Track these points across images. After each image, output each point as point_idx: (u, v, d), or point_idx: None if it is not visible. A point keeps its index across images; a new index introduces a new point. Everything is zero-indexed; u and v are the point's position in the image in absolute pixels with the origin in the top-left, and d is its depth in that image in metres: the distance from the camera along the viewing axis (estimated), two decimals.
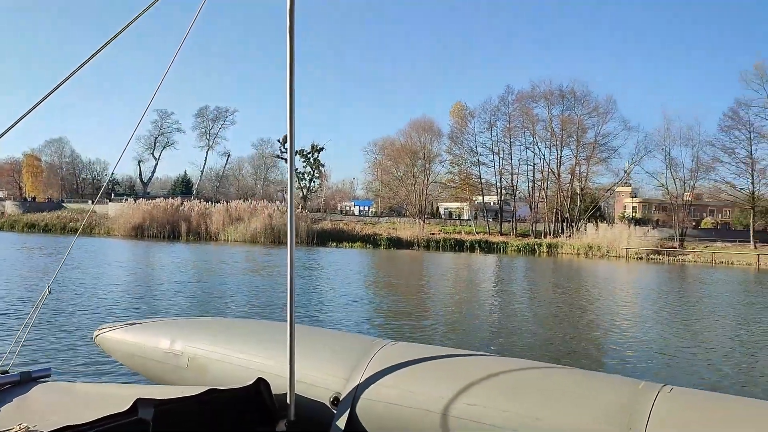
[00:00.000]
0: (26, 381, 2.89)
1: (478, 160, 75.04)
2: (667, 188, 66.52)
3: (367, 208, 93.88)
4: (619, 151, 71.46)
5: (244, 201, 64.82)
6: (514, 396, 2.40)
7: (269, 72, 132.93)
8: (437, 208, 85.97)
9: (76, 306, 13.57)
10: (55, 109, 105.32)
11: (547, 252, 59.91)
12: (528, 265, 42.91)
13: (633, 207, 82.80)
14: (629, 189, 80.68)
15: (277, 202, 67.86)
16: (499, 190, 75.17)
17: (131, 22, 2.59)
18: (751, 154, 59.84)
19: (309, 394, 2.72)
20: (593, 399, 2.33)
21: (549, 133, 71.01)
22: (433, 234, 66.56)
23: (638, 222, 67.78)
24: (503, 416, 2.34)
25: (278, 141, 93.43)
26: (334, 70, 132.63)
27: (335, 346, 2.94)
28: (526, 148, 73.26)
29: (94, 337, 3.65)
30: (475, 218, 75.46)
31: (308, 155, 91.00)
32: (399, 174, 79.62)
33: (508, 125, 73.07)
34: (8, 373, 2.88)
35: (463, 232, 68.52)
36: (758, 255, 49.82)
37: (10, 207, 76.59)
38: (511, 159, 73.74)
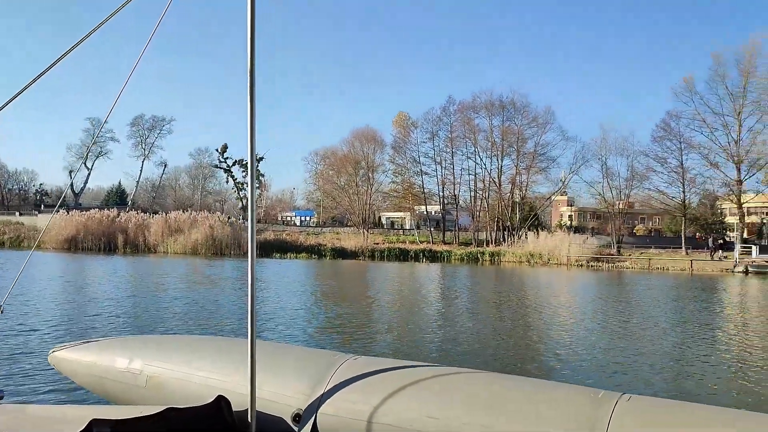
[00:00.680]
0: None
1: (420, 169, 75.66)
2: (603, 197, 68.61)
3: (308, 218, 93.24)
4: (558, 160, 73.36)
5: (183, 212, 62.84)
6: (476, 408, 2.41)
7: (208, 81, 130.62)
8: (379, 217, 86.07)
9: (25, 325, 12.67)
10: None
11: (490, 260, 60.71)
12: (473, 273, 43.37)
13: (569, 215, 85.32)
14: (565, 198, 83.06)
15: (218, 213, 66.22)
16: (441, 200, 75.83)
17: (92, 31, 2.60)
18: (682, 164, 62.50)
19: (270, 411, 2.69)
20: (554, 409, 2.36)
21: (490, 143, 72.29)
22: (377, 244, 66.46)
23: (577, 230, 69.69)
24: (465, 429, 2.35)
25: (217, 150, 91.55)
26: (276, 78, 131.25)
27: (296, 362, 2.90)
28: (468, 157, 74.38)
29: (48, 356, 3.53)
30: (418, 228, 75.93)
31: (247, 165, 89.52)
32: (341, 183, 79.34)
33: (450, 135, 73.98)
34: None
35: (407, 242, 68.75)
36: (691, 261, 51.91)
37: None
38: (453, 168, 74.64)
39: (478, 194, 74.45)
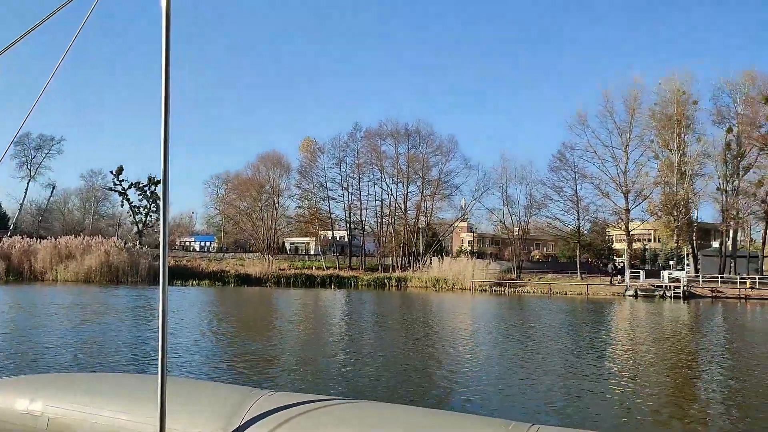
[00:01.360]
0: None
1: (327, 195, 75.39)
2: (504, 223, 71.09)
3: (209, 243, 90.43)
4: (461, 188, 75.45)
5: (75, 236, 58.96)
6: None
7: (102, 100, 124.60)
8: (282, 243, 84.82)
9: None
10: None
11: (396, 286, 61.21)
12: (380, 299, 43.51)
13: (469, 241, 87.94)
14: (465, 224, 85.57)
15: (114, 238, 62.68)
16: (348, 225, 75.84)
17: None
18: (576, 193, 65.95)
19: None
20: None
21: (396, 170, 73.28)
22: (282, 270, 65.33)
23: (479, 255, 71.71)
24: None
25: (111, 173, 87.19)
26: (181, 98, 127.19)
27: (209, 399, 2.79)
28: (375, 183, 75.05)
29: None
30: (324, 253, 75.34)
31: (145, 188, 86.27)
32: (244, 207, 77.71)
33: (357, 161, 74.42)
34: None
35: (313, 268, 68.05)
36: (587, 285, 54.67)
37: None
38: (360, 194, 75.00)
39: (384, 220, 75.12)
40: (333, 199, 75.59)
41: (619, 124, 63.21)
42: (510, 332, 22.95)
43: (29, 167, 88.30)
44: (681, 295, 48.73)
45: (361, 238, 75.10)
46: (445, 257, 66.10)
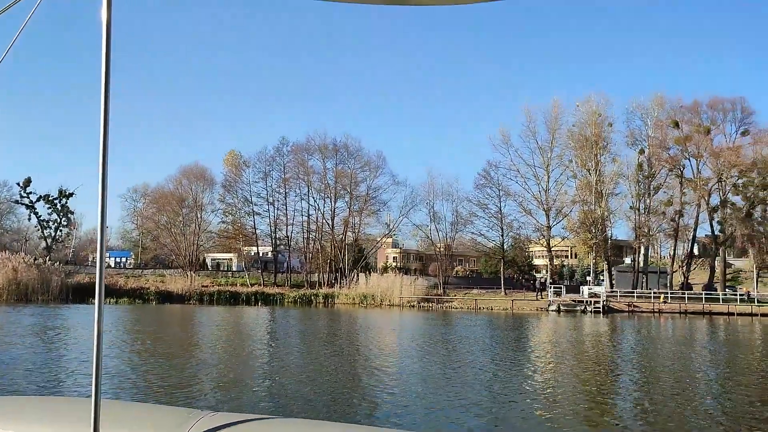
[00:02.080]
0: None
1: (252, 209, 73.86)
2: (431, 239, 71.88)
3: (125, 259, 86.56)
4: (389, 204, 75.66)
5: None
6: None
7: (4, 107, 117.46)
8: (204, 259, 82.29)
9: None
10: None
11: (324, 303, 60.52)
12: (306, 316, 42.87)
13: (394, 257, 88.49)
14: (390, 240, 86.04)
15: (22, 254, 58.79)
16: (274, 240, 74.48)
17: None
18: (501, 210, 67.66)
19: None
20: None
21: (324, 185, 72.82)
22: (205, 286, 63.27)
23: (406, 272, 72.10)
24: None
25: (18, 185, 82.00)
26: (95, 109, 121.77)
27: (147, 421, 2.46)
28: (302, 198, 74.20)
29: None
30: (248, 269, 73.62)
31: (55, 201, 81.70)
32: (164, 222, 74.93)
33: (283, 176, 73.36)
34: None
35: (237, 284, 66.30)
36: (512, 300, 55.96)
37: None
38: (287, 209, 73.90)
39: (311, 235, 74.33)
40: (258, 214, 74.25)
41: (541, 144, 65.63)
42: (436, 348, 23.25)
43: None
44: (601, 309, 50.73)
45: (287, 254, 73.96)
46: (371, 273, 66.02)
